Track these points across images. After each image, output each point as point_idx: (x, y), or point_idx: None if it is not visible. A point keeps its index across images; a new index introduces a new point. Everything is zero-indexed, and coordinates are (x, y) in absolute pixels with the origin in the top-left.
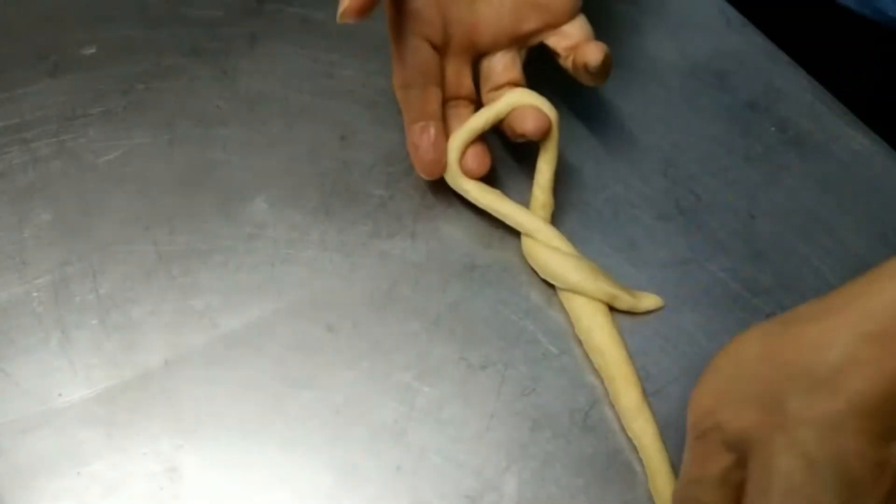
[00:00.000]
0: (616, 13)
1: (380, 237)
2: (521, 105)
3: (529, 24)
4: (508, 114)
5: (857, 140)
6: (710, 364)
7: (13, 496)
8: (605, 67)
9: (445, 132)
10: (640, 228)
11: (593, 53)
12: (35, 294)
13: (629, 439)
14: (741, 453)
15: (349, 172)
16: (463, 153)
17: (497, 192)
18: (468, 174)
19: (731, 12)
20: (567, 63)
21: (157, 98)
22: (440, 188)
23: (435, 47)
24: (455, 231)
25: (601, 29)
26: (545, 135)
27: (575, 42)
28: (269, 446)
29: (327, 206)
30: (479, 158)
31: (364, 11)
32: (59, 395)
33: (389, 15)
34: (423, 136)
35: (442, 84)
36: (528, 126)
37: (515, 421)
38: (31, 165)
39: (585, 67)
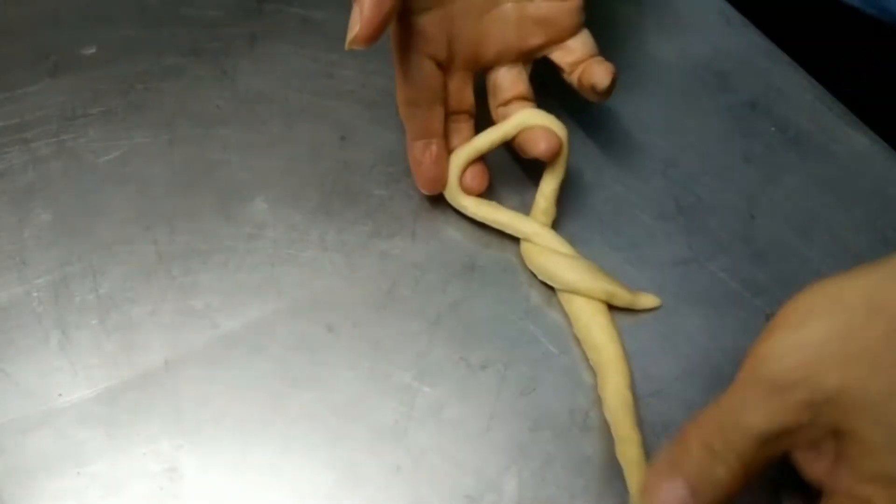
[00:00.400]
0: (616, 13)
1: (380, 237)
2: (531, 126)
3: (533, 40)
4: (519, 134)
5: (857, 140)
6: (787, 314)
7: (13, 496)
8: (612, 87)
9: (447, 148)
10: (640, 228)
11: (601, 75)
12: (35, 294)
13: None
14: (825, 414)
15: (349, 172)
16: (463, 171)
17: (493, 203)
18: (466, 191)
19: (731, 12)
20: (572, 79)
21: (157, 98)
22: None
23: (439, 65)
24: (455, 231)
25: (601, 30)
26: (556, 155)
27: (578, 57)
28: (269, 446)
29: (327, 206)
30: (478, 177)
31: (373, 39)
32: (59, 395)
33: (394, 33)
34: (425, 153)
35: (444, 99)
36: (539, 148)
37: (515, 421)
38: (31, 165)
39: (593, 88)
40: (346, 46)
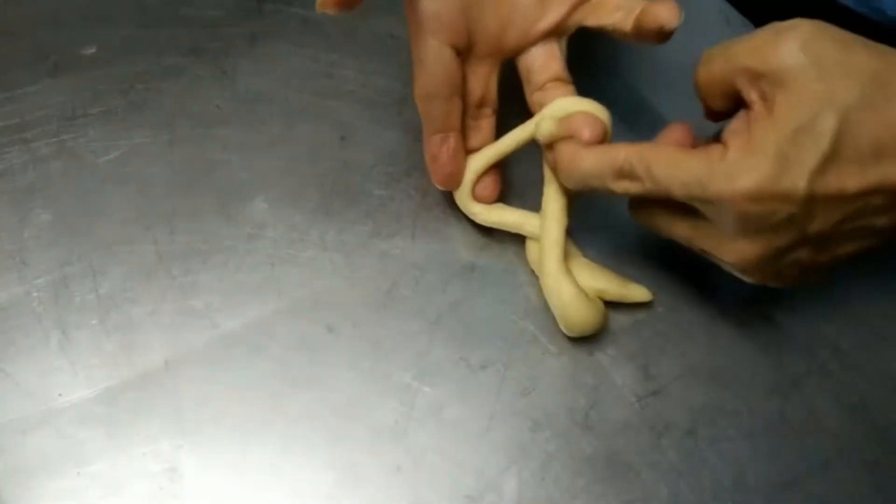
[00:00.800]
0: None
1: (380, 237)
2: (570, 113)
3: (555, 11)
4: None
5: None
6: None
7: (13, 496)
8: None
9: (465, 144)
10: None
11: (668, 14)
12: (35, 294)
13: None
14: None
15: (349, 172)
16: (480, 176)
17: (500, 205)
18: (477, 200)
19: (731, 12)
20: (624, 26)
21: (157, 98)
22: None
23: (458, 53)
24: (455, 231)
25: None
26: (601, 142)
27: (621, 3)
28: (269, 446)
29: (327, 206)
30: (490, 187)
31: (343, 4)
32: (59, 395)
33: (409, 19)
34: (442, 148)
35: (464, 91)
36: (583, 137)
37: (515, 421)
38: (31, 165)
39: (661, 29)
40: (318, 8)
